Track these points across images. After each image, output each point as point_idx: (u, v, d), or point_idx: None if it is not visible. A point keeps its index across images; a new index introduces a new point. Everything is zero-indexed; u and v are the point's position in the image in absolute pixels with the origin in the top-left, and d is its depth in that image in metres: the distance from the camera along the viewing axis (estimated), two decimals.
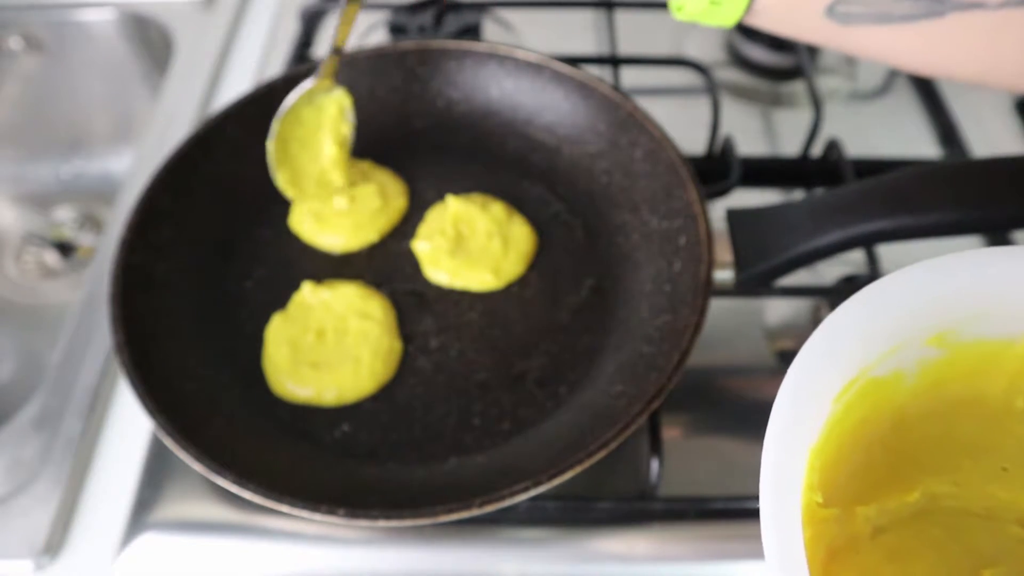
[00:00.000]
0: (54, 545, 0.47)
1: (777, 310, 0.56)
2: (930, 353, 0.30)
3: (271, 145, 0.53)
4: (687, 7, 0.39)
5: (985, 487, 0.32)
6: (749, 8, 0.38)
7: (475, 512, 0.39)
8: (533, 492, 0.39)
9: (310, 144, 0.55)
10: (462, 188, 0.57)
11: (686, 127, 0.57)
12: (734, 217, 0.49)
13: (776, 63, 0.73)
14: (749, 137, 0.67)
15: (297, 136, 0.54)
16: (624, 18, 0.75)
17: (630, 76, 0.68)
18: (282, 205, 0.58)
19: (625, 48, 0.71)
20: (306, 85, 0.53)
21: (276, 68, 0.72)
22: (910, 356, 0.29)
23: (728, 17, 0.39)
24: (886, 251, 0.54)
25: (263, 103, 0.58)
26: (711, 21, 0.39)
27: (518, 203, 0.57)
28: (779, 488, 0.25)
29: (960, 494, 0.32)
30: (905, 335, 0.29)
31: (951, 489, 0.33)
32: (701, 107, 0.62)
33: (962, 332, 0.30)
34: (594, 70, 0.70)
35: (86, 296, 0.58)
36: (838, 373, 0.28)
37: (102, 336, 0.55)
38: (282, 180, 0.54)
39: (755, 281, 0.48)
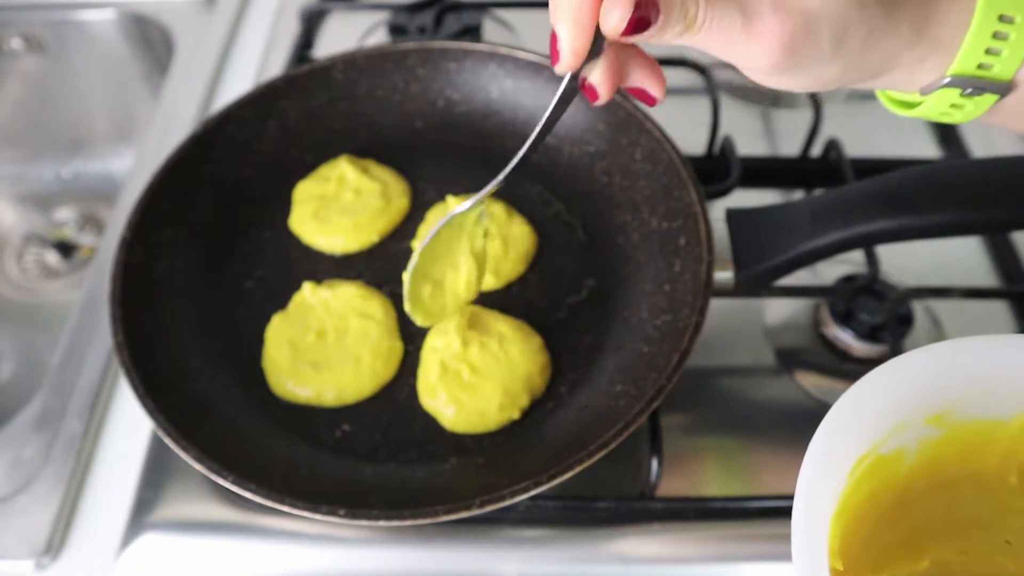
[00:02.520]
0: (55, 545, 0.47)
1: (777, 310, 0.56)
2: (929, 432, 0.32)
3: (408, 277, 0.44)
4: (925, 106, 0.33)
5: (992, 556, 0.34)
6: (992, 109, 0.33)
7: (475, 512, 0.39)
8: (533, 492, 0.39)
9: (444, 261, 0.45)
10: (462, 188, 0.57)
11: (686, 127, 0.57)
12: (734, 217, 0.49)
13: None
14: (749, 137, 0.67)
15: (433, 255, 0.44)
16: None
17: None
18: (282, 205, 0.58)
19: None
20: (457, 210, 0.43)
21: (276, 68, 0.72)
22: (911, 435, 0.32)
23: (966, 118, 0.33)
24: (886, 251, 0.54)
25: (263, 103, 0.58)
26: (945, 120, 0.34)
27: (518, 203, 0.57)
28: (810, 547, 0.28)
29: (968, 562, 0.34)
30: (907, 415, 0.31)
31: (959, 557, 0.34)
32: (701, 107, 0.62)
33: (958, 412, 0.32)
34: None
35: (86, 296, 0.58)
36: (854, 446, 0.30)
37: (102, 336, 0.55)
38: (414, 309, 0.46)
39: (755, 281, 0.48)
